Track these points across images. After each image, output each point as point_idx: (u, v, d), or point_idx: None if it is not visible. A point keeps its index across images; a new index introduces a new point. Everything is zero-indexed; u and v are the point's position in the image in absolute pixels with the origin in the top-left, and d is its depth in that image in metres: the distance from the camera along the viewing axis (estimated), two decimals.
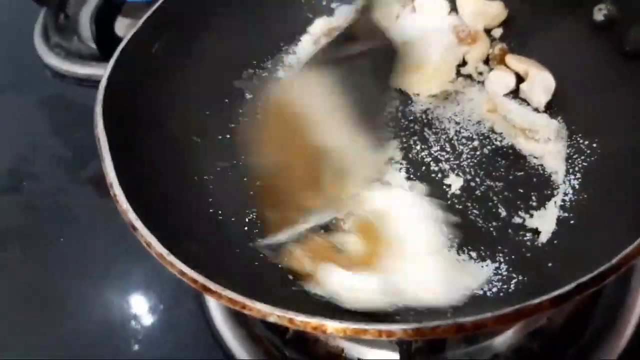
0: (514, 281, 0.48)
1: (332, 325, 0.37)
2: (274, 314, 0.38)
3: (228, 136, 0.62)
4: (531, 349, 0.55)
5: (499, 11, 0.69)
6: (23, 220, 0.74)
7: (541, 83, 0.62)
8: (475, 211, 0.54)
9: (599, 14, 0.60)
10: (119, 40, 0.82)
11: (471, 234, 0.52)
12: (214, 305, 0.60)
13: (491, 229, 0.53)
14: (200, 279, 0.39)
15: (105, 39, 0.84)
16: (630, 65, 0.58)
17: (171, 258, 0.41)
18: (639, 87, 0.55)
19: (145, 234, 0.42)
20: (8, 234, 0.72)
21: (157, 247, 0.41)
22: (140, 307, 0.63)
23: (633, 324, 0.55)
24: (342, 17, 0.71)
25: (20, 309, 0.65)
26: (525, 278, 0.48)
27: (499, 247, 0.51)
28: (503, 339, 0.55)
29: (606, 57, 0.60)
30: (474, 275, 0.49)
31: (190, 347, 0.60)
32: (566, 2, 0.63)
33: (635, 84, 0.56)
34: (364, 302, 0.45)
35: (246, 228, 0.54)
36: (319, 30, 0.71)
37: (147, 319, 0.62)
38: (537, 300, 0.37)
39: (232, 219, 0.54)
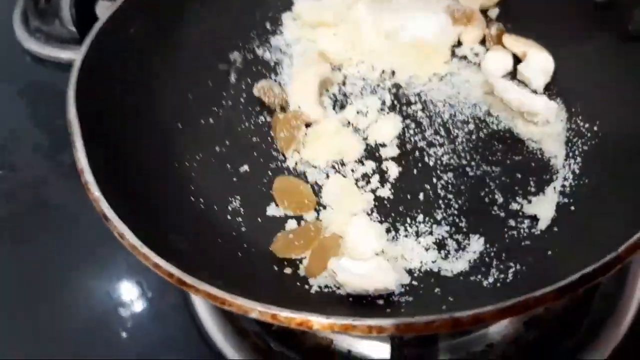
0: (511, 270, 0.45)
1: (318, 321, 0.35)
2: (256, 310, 0.35)
3: (211, 120, 0.59)
4: (527, 338, 0.54)
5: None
6: (3, 211, 0.71)
7: (539, 64, 0.59)
8: (470, 197, 0.52)
9: None
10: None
11: (467, 220, 0.50)
12: (196, 298, 0.58)
13: (487, 215, 0.50)
14: (177, 272, 0.37)
15: (86, 22, 0.80)
16: (632, 46, 0.55)
17: (145, 250, 0.38)
18: None
19: (117, 225, 0.39)
20: None
21: (130, 238, 0.39)
22: (125, 297, 0.62)
23: (631, 314, 0.53)
24: None
25: (3, 300, 0.63)
26: (524, 267, 0.45)
27: (496, 234, 0.49)
28: (498, 329, 0.54)
29: (608, 37, 0.58)
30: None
31: (175, 338, 0.58)
32: None
33: (637, 66, 0.54)
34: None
35: (229, 217, 0.51)
36: (301, 10, 0.68)
37: (132, 310, 0.61)
38: (538, 293, 0.35)
39: (215, 207, 0.52)
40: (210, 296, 0.36)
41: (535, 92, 0.59)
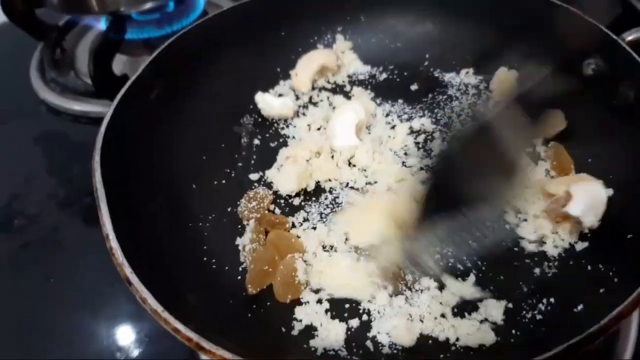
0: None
1: None
2: None
3: (224, 182, 0.62)
4: None
5: (555, 120, 0.64)
6: (14, 259, 0.73)
7: (588, 199, 0.55)
8: None
9: (588, 68, 0.62)
10: (116, 78, 0.85)
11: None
12: None
13: None
14: (195, 337, 0.40)
15: (102, 76, 0.85)
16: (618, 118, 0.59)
17: (166, 315, 0.41)
18: None
19: (140, 290, 0.42)
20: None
21: (152, 303, 0.41)
22: (129, 340, 0.62)
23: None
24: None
25: (12, 344, 0.64)
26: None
27: None
28: None
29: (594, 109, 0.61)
30: None
31: None
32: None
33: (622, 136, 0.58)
34: None
35: (239, 277, 0.54)
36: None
37: (135, 353, 0.61)
38: None
39: (226, 268, 0.54)
40: None
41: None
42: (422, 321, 0.50)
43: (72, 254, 0.72)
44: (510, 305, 0.51)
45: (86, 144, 0.84)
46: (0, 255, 0.73)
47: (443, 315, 0.51)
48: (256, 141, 0.68)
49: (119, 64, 0.90)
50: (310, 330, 0.50)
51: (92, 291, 0.67)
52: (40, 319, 0.66)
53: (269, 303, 0.51)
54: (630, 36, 0.61)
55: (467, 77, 0.73)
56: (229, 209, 0.60)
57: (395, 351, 0.48)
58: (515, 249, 0.56)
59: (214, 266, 0.54)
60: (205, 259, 0.54)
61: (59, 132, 0.89)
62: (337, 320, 0.51)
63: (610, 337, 0.54)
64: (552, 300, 0.50)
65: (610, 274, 0.49)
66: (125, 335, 0.63)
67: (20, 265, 0.72)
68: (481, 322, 0.50)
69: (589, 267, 0.52)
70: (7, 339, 0.65)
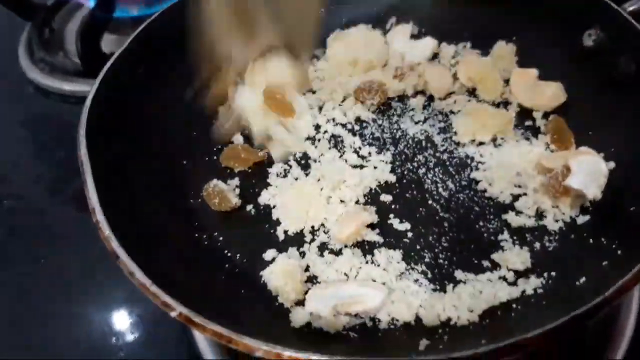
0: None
1: None
2: (261, 349, 0.37)
3: (215, 158, 0.61)
4: None
5: (555, 93, 0.63)
6: (3, 240, 0.72)
7: (588, 170, 0.54)
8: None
9: (588, 39, 0.60)
10: (104, 56, 0.83)
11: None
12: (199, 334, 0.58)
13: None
14: (185, 311, 0.38)
15: (91, 55, 0.83)
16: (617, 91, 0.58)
17: (154, 289, 0.39)
18: None
19: (128, 263, 0.41)
20: None
21: (140, 277, 0.40)
22: (123, 325, 0.62)
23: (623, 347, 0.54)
24: None
25: (2, 328, 0.63)
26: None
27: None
28: None
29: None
30: None
31: None
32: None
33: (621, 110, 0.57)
34: None
35: (229, 254, 0.53)
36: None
37: (130, 337, 0.61)
38: (529, 335, 0.37)
39: (218, 244, 0.53)
40: (217, 334, 0.38)
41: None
42: (420, 297, 0.49)
43: (61, 236, 0.71)
44: (511, 279, 0.50)
45: (75, 124, 0.84)
46: None
47: (443, 290, 0.50)
48: None
49: (107, 43, 0.88)
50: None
51: (82, 274, 0.66)
52: (31, 302, 0.65)
53: (262, 280, 0.50)
54: (631, 6, 0.60)
55: (464, 51, 0.71)
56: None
57: (392, 327, 0.47)
58: (515, 224, 0.54)
59: (205, 242, 0.52)
60: (196, 235, 0.53)
61: (48, 113, 0.87)
62: None
63: (604, 335, 0.54)
64: (553, 274, 0.49)
65: (613, 246, 0.47)
66: (118, 319, 0.62)
67: (9, 247, 0.71)
68: (481, 296, 0.48)
69: (591, 241, 0.51)
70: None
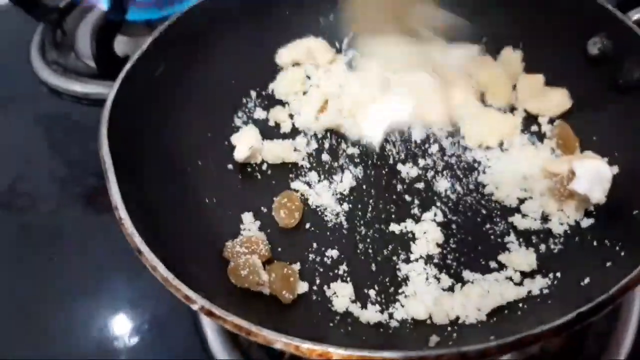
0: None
1: (337, 352, 0.38)
2: (280, 341, 0.38)
3: (229, 160, 0.63)
4: None
5: (561, 99, 0.64)
6: (15, 239, 0.73)
7: (592, 175, 0.55)
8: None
9: (594, 47, 0.62)
10: (118, 58, 0.84)
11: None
12: (208, 326, 0.60)
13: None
14: (207, 304, 0.40)
15: (105, 57, 0.84)
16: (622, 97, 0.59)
17: (176, 282, 0.41)
18: None
19: (150, 258, 0.42)
20: (1, 250, 0.71)
21: (163, 271, 0.41)
22: (134, 326, 0.63)
23: (624, 352, 0.55)
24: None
25: (12, 327, 0.64)
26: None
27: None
28: None
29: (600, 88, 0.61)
30: None
31: None
32: None
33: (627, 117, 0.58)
34: None
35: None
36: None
37: (141, 337, 0.62)
38: (537, 330, 0.38)
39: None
40: (236, 327, 0.39)
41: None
42: (431, 295, 0.50)
43: (74, 235, 0.72)
44: (517, 280, 0.51)
45: (87, 125, 0.86)
46: (3, 234, 0.73)
47: (451, 289, 0.51)
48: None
49: (120, 45, 0.89)
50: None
51: (93, 273, 0.67)
52: (42, 300, 0.66)
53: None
54: (636, 15, 0.61)
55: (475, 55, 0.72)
56: (232, 187, 0.60)
57: (403, 324, 0.49)
58: (521, 227, 0.56)
59: (220, 240, 0.54)
60: (211, 232, 0.54)
61: (60, 113, 0.88)
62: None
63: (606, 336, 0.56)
64: (558, 274, 0.51)
65: (617, 248, 0.49)
66: (128, 319, 0.63)
67: (21, 244, 0.72)
68: (488, 295, 0.50)
69: (595, 243, 0.52)
70: (8, 318, 0.65)
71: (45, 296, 0.66)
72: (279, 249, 0.55)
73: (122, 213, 0.44)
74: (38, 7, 0.98)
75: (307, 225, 0.58)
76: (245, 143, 0.61)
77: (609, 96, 0.60)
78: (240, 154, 0.61)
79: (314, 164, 0.64)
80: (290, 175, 0.63)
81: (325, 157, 0.64)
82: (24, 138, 0.85)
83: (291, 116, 0.68)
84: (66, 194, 0.77)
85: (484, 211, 0.58)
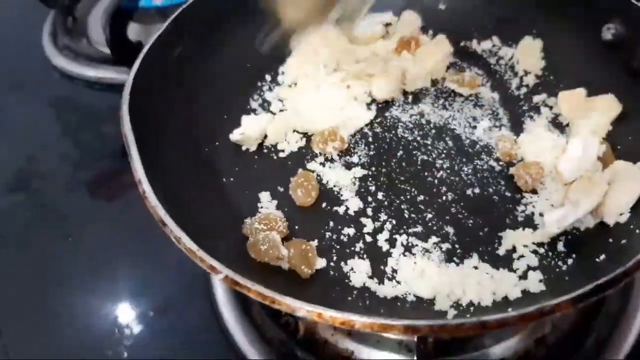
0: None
1: (360, 321, 0.38)
2: (303, 309, 0.39)
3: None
4: (536, 355, 0.57)
5: (609, 106, 0.61)
6: (30, 219, 0.74)
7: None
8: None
9: (607, 33, 0.62)
10: (131, 44, 0.85)
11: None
12: (224, 307, 0.60)
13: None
14: (231, 273, 0.40)
15: (119, 44, 0.85)
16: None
17: (201, 253, 0.42)
18: None
19: (175, 229, 0.43)
20: (17, 231, 0.72)
21: (187, 242, 0.42)
22: (145, 309, 0.63)
23: (634, 332, 0.56)
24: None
25: (25, 306, 0.65)
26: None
27: None
28: (510, 345, 0.57)
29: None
30: None
31: (201, 348, 0.60)
32: None
33: None
34: None
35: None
36: None
37: (153, 321, 0.62)
38: (556, 301, 0.39)
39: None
40: (260, 295, 0.40)
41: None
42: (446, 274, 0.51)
43: (85, 217, 0.73)
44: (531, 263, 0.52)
45: (99, 109, 0.86)
46: (17, 214, 0.74)
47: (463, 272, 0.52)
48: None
49: (132, 32, 0.90)
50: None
51: (102, 255, 0.68)
52: (53, 281, 0.67)
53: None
54: None
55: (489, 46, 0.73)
56: (249, 167, 0.61)
57: (420, 301, 0.50)
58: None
59: (235, 219, 0.55)
60: (231, 208, 0.56)
61: (72, 97, 0.90)
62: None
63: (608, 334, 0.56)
64: (574, 255, 0.51)
65: (631, 227, 0.50)
66: (137, 302, 0.64)
67: (35, 225, 0.73)
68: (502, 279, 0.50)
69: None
70: (21, 297, 0.66)
71: (55, 275, 0.67)
72: (296, 227, 0.56)
73: (146, 186, 0.45)
74: None
75: (324, 205, 0.58)
76: (244, 127, 0.62)
77: (624, 81, 0.61)
78: (233, 136, 0.62)
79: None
80: (307, 157, 0.63)
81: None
82: (36, 121, 0.86)
83: None
84: (78, 176, 0.78)
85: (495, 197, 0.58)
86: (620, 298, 0.58)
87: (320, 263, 0.52)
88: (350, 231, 0.55)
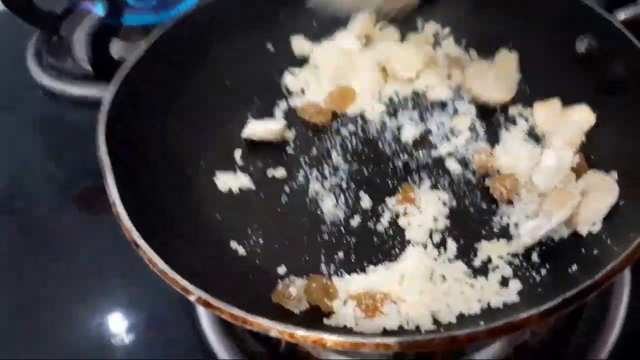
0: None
1: (331, 339, 0.39)
2: (275, 329, 0.39)
3: (230, 160, 0.64)
4: None
5: (583, 117, 0.62)
6: (15, 241, 0.74)
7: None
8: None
9: (581, 46, 0.63)
10: (114, 62, 0.86)
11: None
12: (206, 322, 0.60)
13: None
14: (203, 295, 0.41)
15: (101, 61, 0.85)
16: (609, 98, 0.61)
17: (173, 275, 0.42)
18: None
19: (148, 252, 0.43)
20: (2, 251, 0.72)
21: (160, 264, 0.43)
22: (131, 325, 0.63)
23: (613, 340, 0.56)
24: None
25: (10, 327, 0.65)
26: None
27: None
28: (490, 353, 0.57)
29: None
30: None
31: None
32: None
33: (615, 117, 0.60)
34: None
35: (246, 250, 0.56)
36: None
37: (138, 336, 0.62)
38: (525, 315, 0.40)
39: (233, 242, 0.56)
40: (232, 316, 0.40)
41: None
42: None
43: (71, 236, 0.73)
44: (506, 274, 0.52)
45: (84, 128, 0.85)
46: (2, 236, 0.74)
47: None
48: None
49: (116, 49, 0.91)
50: None
51: (90, 273, 0.68)
52: (39, 301, 0.66)
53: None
54: (623, 15, 0.63)
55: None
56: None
57: None
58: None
59: (221, 239, 0.56)
60: (213, 232, 0.56)
61: (57, 116, 0.89)
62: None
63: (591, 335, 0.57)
64: (547, 266, 0.52)
65: (603, 236, 0.51)
66: (123, 318, 0.64)
67: (19, 246, 0.73)
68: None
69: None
70: (6, 319, 0.65)
71: (42, 297, 0.67)
72: None
73: (120, 208, 0.46)
74: (34, 13, 0.98)
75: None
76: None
77: (596, 96, 0.62)
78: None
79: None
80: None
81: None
82: (20, 141, 0.86)
83: None
84: (63, 196, 0.78)
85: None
86: (599, 305, 0.58)
87: None
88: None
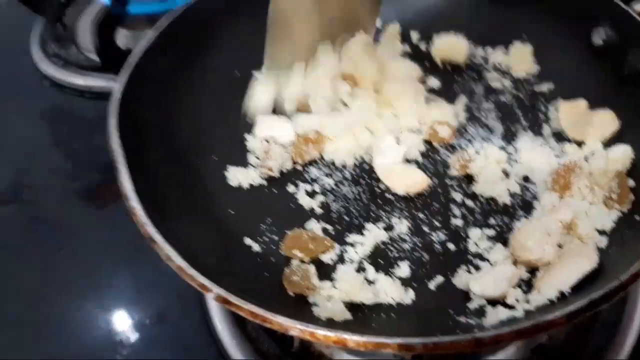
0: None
1: (353, 339, 0.38)
2: (296, 328, 0.38)
3: (240, 150, 0.63)
4: None
5: (608, 121, 0.60)
6: (22, 231, 0.73)
7: None
8: None
9: (597, 38, 0.62)
10: (120, 51, 0.84)
11: None
12: (218, 319, 0.60)
13: None
14: (222, 292, 0.40)
15: (107, 50, 0.84)
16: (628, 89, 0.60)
17: (191, 271, 0.41)
18: None
19: (165, 248, 0.42)
20: (6, 244, 0.71)
21: (177, 260, 0.42)
22: (138, 319, 0.63)
23: (630, 342, 0.56)
24: None
25: (17, 320, 0.64)
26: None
27: None
28: (506, 354, 0.56)
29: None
30: None
31: None
32: None
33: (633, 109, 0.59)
34: None
35: (260, 246, 0.55)
36: None
37: (146, 331, 0.62)
38: (551, 316, 0.39)
39: (246, 236, 0.55)
40: (252, 314, 0.39)
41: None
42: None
43: (77, 228, 0.72)
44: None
45: (89, 118, 0.85)
46: (7, 227, 0.73)
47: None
48: None
49: (121, 38, 0.90)
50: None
51: (96, 266, 0.67)
52: (46, 293, 0.66)
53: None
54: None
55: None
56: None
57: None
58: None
59: (235, 235, 0.54)
60: (226, 225, 0.55)
61: (63, 106, 0.88)
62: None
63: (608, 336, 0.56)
64: None
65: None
66: (131, 313, 0.63)
67: (26, 238, 0.72)
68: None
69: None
70: (13, 311, 0.65)
71: (49, 290, 0.66)
72: None
73: (134, 203, 0.45)
74: (38, 2, 0.97)
75: None
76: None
77: (614, 88, 0.61)
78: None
79: None
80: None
81: None
82: (26, 132, 0.85)
83: None
84: (69, 187, 0.77)
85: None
86: (616, 307, 0.58)
87: None
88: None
